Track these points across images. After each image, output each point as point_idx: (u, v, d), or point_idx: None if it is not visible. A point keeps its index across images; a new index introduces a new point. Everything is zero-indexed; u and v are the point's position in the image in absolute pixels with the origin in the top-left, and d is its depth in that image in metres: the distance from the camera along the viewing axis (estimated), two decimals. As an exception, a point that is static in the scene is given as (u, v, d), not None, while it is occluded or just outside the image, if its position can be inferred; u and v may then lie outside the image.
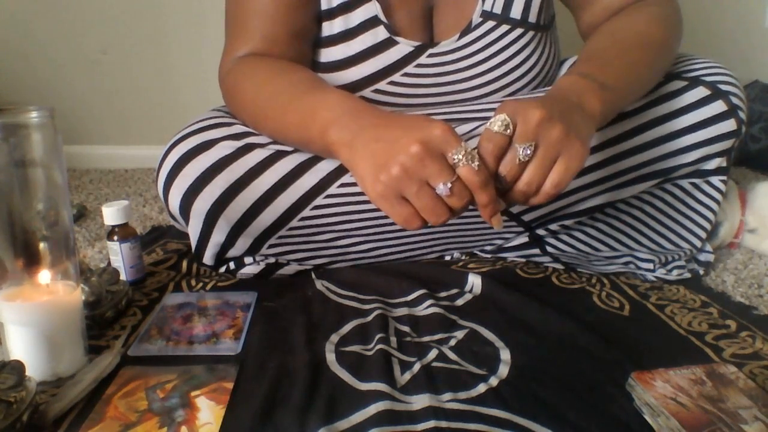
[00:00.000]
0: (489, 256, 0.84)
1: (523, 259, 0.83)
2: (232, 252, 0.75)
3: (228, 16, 0.76)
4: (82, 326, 0.58)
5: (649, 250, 0.80)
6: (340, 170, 0.72)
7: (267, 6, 0.72)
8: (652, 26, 0.69)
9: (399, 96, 0.76)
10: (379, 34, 0.73)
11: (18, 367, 0.49)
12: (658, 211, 0.79)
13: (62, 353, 0.56)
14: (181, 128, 0.74)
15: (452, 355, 0.59)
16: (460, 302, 0.71)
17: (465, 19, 0.75)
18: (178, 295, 0.73)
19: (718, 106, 0.72)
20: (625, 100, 0.65)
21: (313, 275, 0.77)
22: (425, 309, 0.68)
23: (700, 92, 0.72)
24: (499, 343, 0.62)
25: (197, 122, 0.74)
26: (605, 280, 0.77)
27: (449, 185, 0.51)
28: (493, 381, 0.55)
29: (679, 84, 0.72)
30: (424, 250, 0.82)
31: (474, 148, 0.52)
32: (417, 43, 0.75)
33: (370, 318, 0.66)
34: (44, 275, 0.55)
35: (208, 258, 0.75)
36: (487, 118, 0.72)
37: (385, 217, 0.74)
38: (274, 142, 0.72)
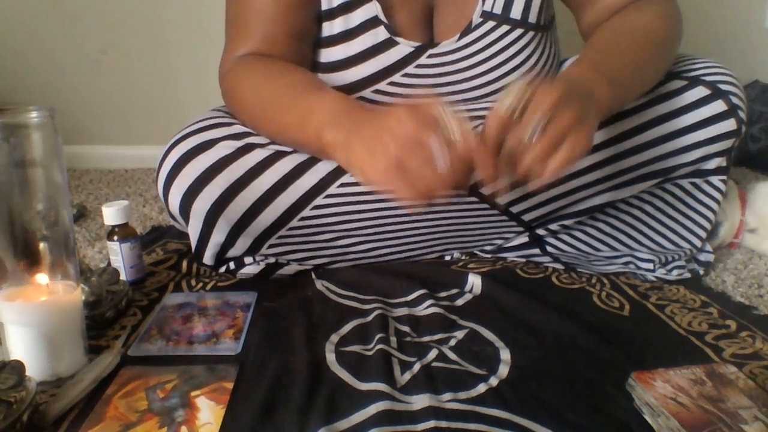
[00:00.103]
0: (489, 256, 0.84)
1: (523, 259, 0.83)
2: (232, 252, 0.75)
3: (228, 17, 0.76)
4: (82, 326, 0.58)
5: (649, 250, 0.80)
6: (340, 170, 0.72)
7: (267, 6, 0.72)
8: (655, 24, 0.69)
9: (399, 96, 0.76)
10: (380, 34, 0.73)
11: (18, 367, 0.49)
12: (658, 211, 0.79)
13: (62, 353, 0.56)
14: (181, 128, 0.74)
15: (452, 355, 0.59)
16: (460, 302, 0.71)
17: (465, 19, 0.75)
18: (178, 295, 0.73)
19: (718, 106, 0.72)
20: (628, 96, 0.65)
21: (313, 275, 0.77)
22: (425, 309, 0.68)
23: (700, 92, 0.72)
24: (499, 343, 0.62)
25: (197, 122, 0.74)
26: (605, 280, 0.77)
27: (442, 145, 0.50)
28: (493, 381, 0.55)
29: (679, 83, 0.72)
30: (424, 250, 0.82)
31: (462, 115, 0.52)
32: (417, 44, 0.75)
33: (370, 318, 0.66)
34: (44, 275, 0.55)
35: (208, 258, 0.75)
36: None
37: (385, 217, 0.75)
38: (274, 142, 0.72)
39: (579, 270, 0.80)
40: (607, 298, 0.73)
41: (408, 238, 0.78)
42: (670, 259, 0.80)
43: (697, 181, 0.77)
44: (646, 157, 0.73)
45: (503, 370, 0.57)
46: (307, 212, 0.72)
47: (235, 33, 0.75)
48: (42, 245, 0.55)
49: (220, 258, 0.75)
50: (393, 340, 0.62)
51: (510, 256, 0.83)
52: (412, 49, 0.74)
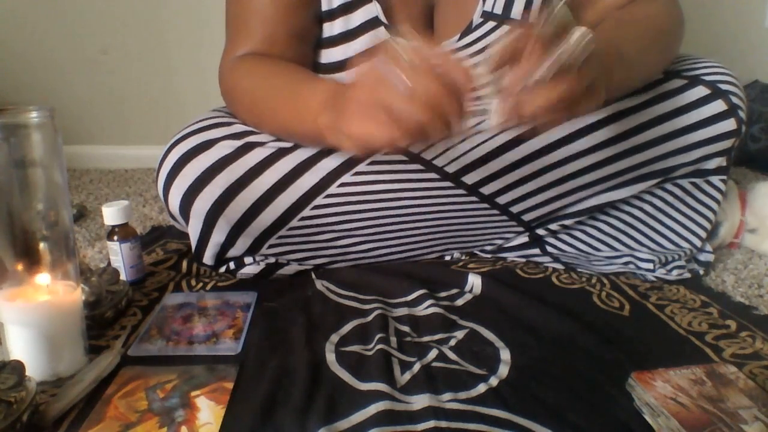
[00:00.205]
0: (489, 256, 0.84)
1: (523, 259, 0.83)
2: (232, 252, 0.75)
3: (228, 17, 0.76)
4: (82, 326, 0.58)
5: (649, 250, 0.80)
6: (341, 169, 0.72)
7: (267, 7, 0.72)
8: (660, 17, 0.69)
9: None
10: (380, 35, 0.73)
11: (18, 367, 0.49)
12: (658, 211, 0.79)
13: (62, 353, 0.56)
14: (181, 128, 0.74)
15: (452, 355, 0.59)
16: (460, 302, 0.71)
17: (465, 19, 0.75)
18: (178, 295, 0.73)
19: (718, 106, 0.72)
20: (633, 77, 0.65)
21: (313, 275, 0.77)
22: (425, 309, 0.68)
23: (700, 91, 0.72)
24: (499, 343, 0.62)
25: (197, 122, 0.74)
26: (605, 280, 0.77)
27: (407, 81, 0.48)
28: (493, 381, 0.55)
29: (679, 83, 0.72)
30: (424, 250, 0.82)
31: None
32: (417, 44, 0.74)
33: (370, 318, 0.66)
34: (44, 275, 0.55)
35: (208, 258, 0.75)
36: (486, 111, 0.72)
37: (385, 217, 0.75)
38: (275, 141, 0.72)
39: (579, 270, 0.80)
40: (607, 298, 0.73)
41: (408, 238, 0.78)
42: (670, 259, 0.80)
43: (697, 181, 0.77)
44: (646, 156, 0.73)
45: (503, 370, 0.57)
46: (307, 212, 0.72)
47: (235, 33, 0.75)
48: (42, 245, 0.55)
49: (220, 258, 0.75)
50: (393, 340, 0.62)
51: (510, 256, 0.83)
52: (412, 50, 0.74)
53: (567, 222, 0.79)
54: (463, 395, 0.53)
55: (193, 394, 0.53)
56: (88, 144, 1.55)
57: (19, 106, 0.53)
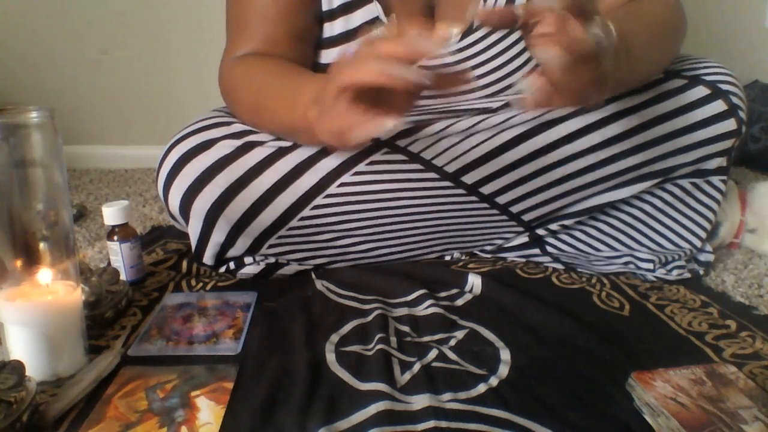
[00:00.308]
0: (489, 256, 0.84)
1: (523, 259, 0.83)
2: (232, 252, 0.75)
3: (228, 17, 0.76)
4: (82, 326, 0.58)
5: (649, 250, 0.80)
6: (340, 169, 0.72)
7: (267, 7, 0.72)
8: (664, 14, 0.69)
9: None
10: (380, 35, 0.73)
11: (18, 367, 0.49)
12: (658, 211, 0.79)
13: (62, 353, 0.56)
14: (181, 128, 0.74)
15: (452, 355, 0.59)
16: (460, 302, 0.71)
17: (466, 20, 0.75)
18: (178, 295, 0.73)
19: (718, 106, 0.72)
20: (636, 75, 0.64)
21: (313, 275, 0.77)
22: (425, 309, 0.68)
23: (700, 91, 0.72)
24: (499, 343, 0.62)
25: (197, 122, 0.74)
26: (605, 280, 0.77)
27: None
28: (493, 381, 0.55)
29: (679, 83, 0.72)
30: (424, 250, 0.82)
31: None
32: (417, 44, 0.74)
33: (370, 318, 0.66)
34: (44, 275, 0.55)
35: (208, 258, 0.75)
36: (486, 110, 0.72)
37: (385, 217, 0.75)
38: (274, 140, 0.72)
39: (579, 270, 0.80)
40: (607, 298, 0.73)
41: (408, 238, 0.78)
42: (670, 259, 0.80)
43: (698, 181, 0.77)
44: (646, 156, 0.73)
45: (503, 370, 0.57)
46: (307, 212, 0.72)
47: (236, 33, 0.75)
48: (42, 245, 0.55)
49: (220, 258, 0.75)
50: (393, 340, 0.62)
51: (510, 256, 0.83)
52: (412, 50, 0.74)
53: (567, 222, 0.79)
54: (463, 395, 0.53)
55: (193, 394, 0.53)
56: (88, 144, 1.55)
57: (19, 106, 0.53)
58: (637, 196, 0.78)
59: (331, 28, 0.74)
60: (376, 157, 0.72)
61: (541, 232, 0.80)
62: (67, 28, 1.46)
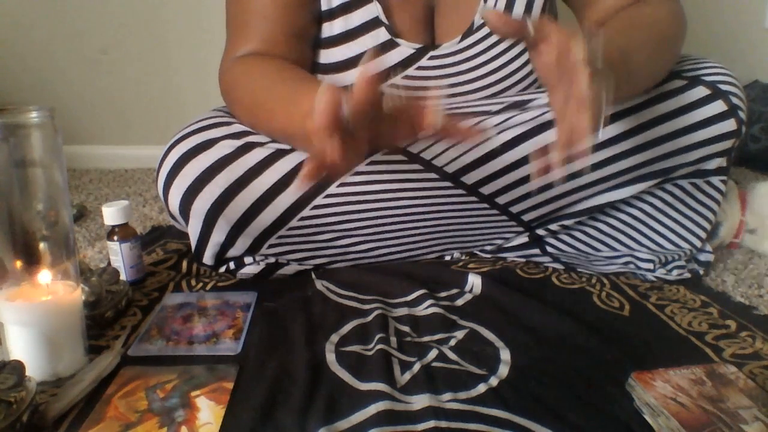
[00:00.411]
0: (489, 256, 0.84)
1: (523, 259, 0.83)
2: (232, 252, 0.75)
3: (228, 17, 0.76)
4: (82, 326, 0.58)
5: (649, 250, 0.80)
6: (340, 170, 0.71)
7: (266, 7, 0.72)
8: (665, 22, 0.69)
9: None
10: (380, 35, 0.73)
11: (18, 367, 0.49)
12: (658, 211, 0.79)
13: (62, 353, 0.56)
14: (181, 128, 0.74)
15: (452, 355, 0.59)
16: (460, 302, 0.71)
17: (466, 20, 0.75)
18: (178, 295, 0.73)
19: (718, 106, 0.72)
20: (635, 88, 0.65)
21: (313, 275, 0.77)
22: (425, 309, 0.68)
23: (700, 92, 0.72)
24: (499, 343, 0.62)
25: (197, 122, 0.74)
26: (605, 280, 0.77)
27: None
28: (493, 381, 0.55)
29: (678, 83, 0.72)
30: (424, 250, 0.82)
31: None
32: (418, 45, 0.74)
33: (370, 318, 0.66)
34: (44, 275, 0.55)
35: (208, 258, 0.75)
36: (486, 113, 0.72)
37: (385, 217, 0.75)
38: (274, 141, 0.72)
39: (579, 270, 0.80)
40: (607, 298, 0.73)
41: (408, 238, 0.78)
42: (670, 259, 0.80)
43: (697, 181, 0.77)
44: (646, 157, 0.73)
45: (503, 370, 0.57)
46: (306, 212, 0.72)
47: (235, 33, 0.75)
48: (42, 245, 0.55)
49: (220, 258, 0.75)
50: (393, 340, 0.62)
51: (510, 256, 0.83)
52: (413, 51, 0.74)
53: (567, 222, 0.79)
54: (463, 395, 0.53)
55: (193, 394, 0.53)
56: (88, 144, 1.55)
57: (19, 106, 0.53)
58: (637, 196, 0.78)
59: (331, 28, 0.74)
60: (376, 157, 0.72)
61: (541, 232, 0.80)
62: (67, 28, 1.46)
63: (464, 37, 0.75)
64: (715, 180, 0.76)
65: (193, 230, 0.73)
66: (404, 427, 0.48)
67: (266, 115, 0.69)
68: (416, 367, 0.57)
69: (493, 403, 0.52)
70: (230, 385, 0.54)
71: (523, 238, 0.81)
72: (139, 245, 0.78)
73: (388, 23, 0.73)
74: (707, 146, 0.73)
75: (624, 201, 0.78)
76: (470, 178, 0.73)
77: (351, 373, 0.56)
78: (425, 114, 0.49)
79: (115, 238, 0.75)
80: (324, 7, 0.73)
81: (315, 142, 0.47)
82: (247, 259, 0.76)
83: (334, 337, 0.62)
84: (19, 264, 0.54)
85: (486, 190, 0.74)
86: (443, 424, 0.49)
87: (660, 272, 0.78)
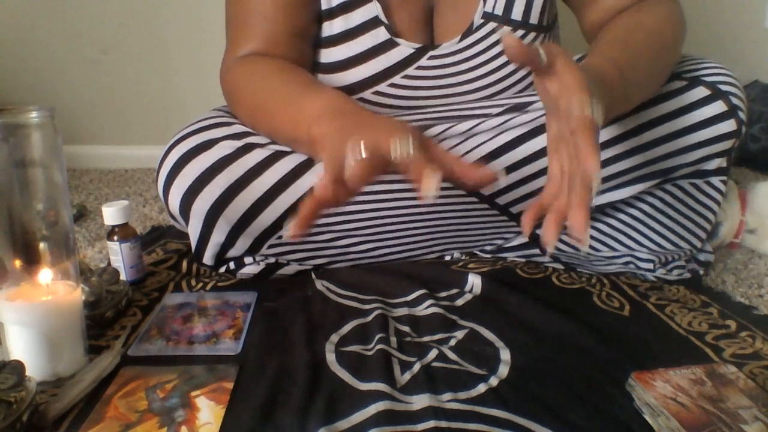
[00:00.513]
0: (489, 256, 0.84)
1: (523, 259, 0.83)
2: (232, 252, 0.74)
3: (228, 16, 0.76)
4: (82, 326, 0.58)
5: (649, 250, 0.80)
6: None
7: (266, 6, 0.72)
8: (665, 26, 0.69)
9: (399, 98, 0.76)
10: (380, 35, 0.73)
11: (18, 367, 0.49)
12: (657, 211, 0.79)
13: (62, 353, 0.56)
14: (181, 128, 0.74)
15: (452, 355, 0.59)
16: (460, 302, 0.71)
17: (466, 20, 0.75)
18: (178, 295, 0.73)
19: (718, 107, 0.71)
20: (634, 96, 0.65)
21: (313, 275, 0.77)
22: (425, 309, 0.68)
23: (700, 92, 0.72)
24: (499, 343, 0.62)
25: (197, 122, 0.74)
26: (605, 280, 0.77)
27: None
28: (493, 381, 0.55)
29: (679, 84, 0.72)
30: (424, 250, 0.82)
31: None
32: (418, 45, 0.74)
33: (370, 318, 0.66)
34: (44, 275, 0.55)
35: (208, 258, 0.75)
36: (486, 115, 0.73)
37: (385, 217, 0.75)
38: (274, 142, 0.72)
39: (579, 270, 0.80)
40: (607, 298, 0.73)
41: (408, 238, 0.78)
42: (670, 259, 0.80)
43: (697, 181, 0.77)
44: (646, 157, 0.73)
45: (503, 370, 0.57)
46: (307, 212, 0.72)
47: (236, 33, 0.75)
48: (42, 245, 0.55)
49: (220, 258, 0.75)
50: (393, 340, 0.62)
51: (510, 256, 0.83)
52: (412, 51, 0.74)
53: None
54: (463, 395, 0.53)
55: (193, 394, 0.53)
56: (88, 144, 1.55)
57: (19, 106, 0.53)
58: (637, 197, 0.78)
59: (331, 28, 0.74)
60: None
61: (541, 232, 0.80)
62: (67, 28, 1.46)
63: (464, 37, 0.75)
64: (715, 180, 0.76)
65: (193, 230, 0.72)
66: (404, 427, 0.48)
67: (268, 117, 0.69)
68: (416, 367, 0.57)
69: (493, 403, 0.52)
70: (230, 385, 0.54)
71: (523, 238, 0.81)
72: (139, 245, 0.78)
73: (387, 23, 0.73)
74: (707, 146, 0.73)
75: (624, 201, 0.78)
76: (470, 179, 0.73)
77: (351, 373, 0.56)
78: (423, 183, 0.50)
79: (115, 238, 0.75)
80: (324, 6, 0.73)
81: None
82: (247, 259, 0.76)
83: (334, 337, 0.63)
84: (19, 264, 0.54)
85: (486, 190, 0.74)
86: (443, 424, 0.49)
87: (660, 272, 0.78)
